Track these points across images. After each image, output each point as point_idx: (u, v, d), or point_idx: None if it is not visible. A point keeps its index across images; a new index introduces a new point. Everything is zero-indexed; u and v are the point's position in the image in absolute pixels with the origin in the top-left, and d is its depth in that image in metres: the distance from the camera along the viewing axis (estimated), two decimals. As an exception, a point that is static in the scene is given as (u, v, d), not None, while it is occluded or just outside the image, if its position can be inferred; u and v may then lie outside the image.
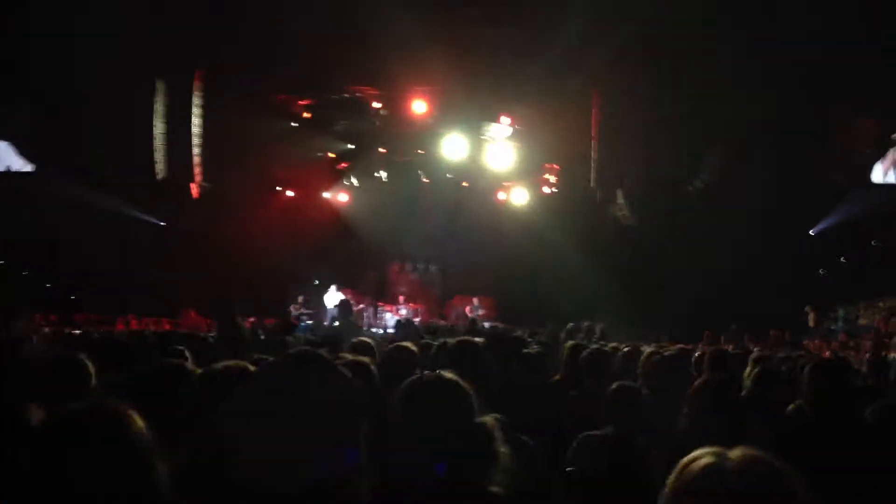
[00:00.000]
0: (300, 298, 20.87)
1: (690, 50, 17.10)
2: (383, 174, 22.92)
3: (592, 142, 20.39)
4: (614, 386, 4.02)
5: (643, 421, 4.03)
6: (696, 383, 3.73)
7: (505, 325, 17.49)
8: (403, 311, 20.67)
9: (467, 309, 21.20)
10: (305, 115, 21.55)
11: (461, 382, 2.34)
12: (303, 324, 18.12)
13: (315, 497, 1.47)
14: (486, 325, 18.58)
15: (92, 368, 3.31)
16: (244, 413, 1.46)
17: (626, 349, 6.44)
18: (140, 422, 1.65)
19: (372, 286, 23.15)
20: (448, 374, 2.35)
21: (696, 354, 6.29)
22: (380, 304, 21.94)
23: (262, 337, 9.39)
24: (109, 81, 18.32)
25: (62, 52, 17.63)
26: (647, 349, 6.28)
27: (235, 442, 1.46)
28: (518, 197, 22.54)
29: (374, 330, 19.01)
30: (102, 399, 1.68)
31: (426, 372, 2.41)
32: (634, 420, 3.92)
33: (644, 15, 15.95)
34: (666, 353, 5.51)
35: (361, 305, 21.02)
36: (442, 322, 19.90)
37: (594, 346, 6.26)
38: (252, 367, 2.17)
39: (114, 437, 1.59)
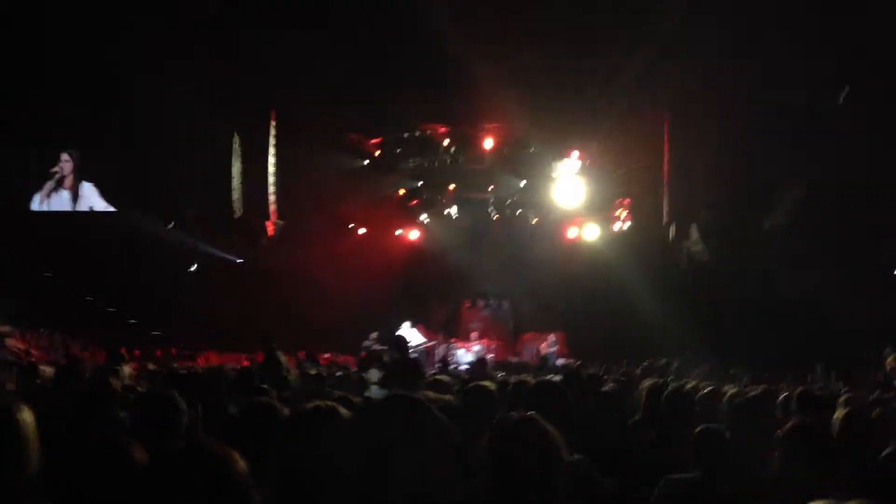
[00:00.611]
0: (372, 335, 21.02)
1: (767, 80, 16.77)
2: (454, 210, 23.04)
3: (665, 176, 20.09)
4: (700, 428, 3.93)
5: (728, 464, 3.93)
6: (788, 426, 3.61)
7: (577, 361, 17.32)
8: (476, 348, 20.59)
9: (543, 345, 21.02)
10: (376, 153, 21.89)
11: (548, 425, 2.33)
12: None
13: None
14: (560, 361, 18.41)
15: (184, 406, 3.39)
16: (344, 455, 1.48)
17: (707, 389, 6.29)
18: (242, 463, 1.68)
19: (444, 322, 23.19)
20: (536, 416, 2.34)
21: (783, 395, 6.09)
22: (452, 340, 21.94)
23: (339, 374, 9.48)
24: (188, 124, 19.00)
25: (144, 95, 18.37)
26: (729, 389, 6.12)
27: (336, 482, 1.49)
28: (589, 233, 22.36)
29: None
30: (206, 440, 1.71)
31: (514, 413, 2.41)
32: (720, 463, 3.82)
33: (719, 45, 15.77)
34: (750, 394, 5.37)
35: (433, 342, 21.04)
36: (514, 359, 19.82)
37: (673, 385, 6.13)
38: (341, 409, 2.19)
39: (218, 479, 1.62)
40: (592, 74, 18.05)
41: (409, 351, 19.49)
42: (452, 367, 18.80)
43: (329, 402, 2.28)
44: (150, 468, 1.74)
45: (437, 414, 1.52)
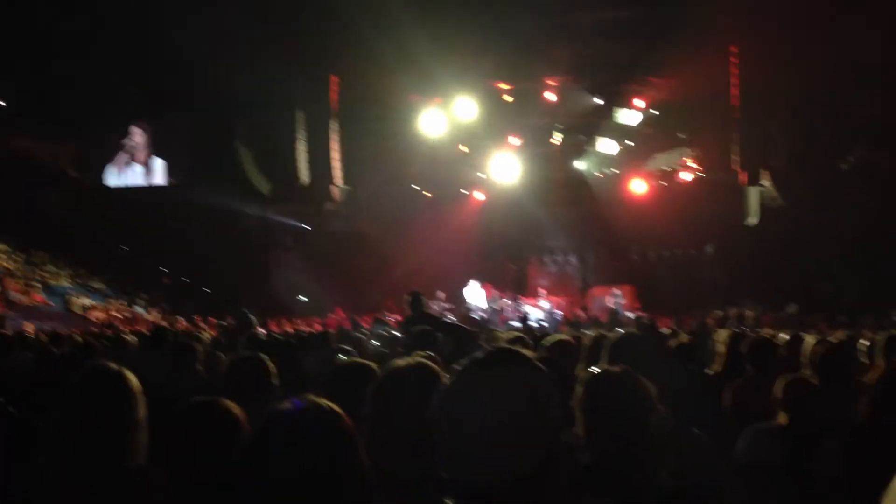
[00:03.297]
0: (440, 294, 21.16)
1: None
2: (517, 167, 22.93)
3: (734, 123, 19.50)
4: (788, 378, 3.88)
5: (815, 413, 3.88)
6: (878, 372, 3.55)
7: (648, 314, 17.20)
8: (544, 304, 20.57)
9: (607, 299, 20.90)
10: (439, 112, 21.83)
11: (638, 376, 2.35)
12: (445, 319, 18.36)
13: (517, 488, 1.52)
14: (630, 315, 18.30)
15: (273, 368, 3.49)
16: (449, 410, 1.52)
17: (787, 337, 6.19)
18: (348, 419, 1.74)
19: (511, 280, 23.20)
20: (630, 369, 2.36)
21: (863, 342, 5.96)
22: (520, 297, 21.95)
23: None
24: (252, 95, 19.24)
25: (209, 70, 18.64)
26: (809, 337, 6.01)
27: (440, 438, 1.53)
28: (655, 182, 22.03)
29: (514, 323, 19.04)
30: (313, 398, 1.77)
31: (606, 367, 2.44)
32: (808, 412, 3.78)
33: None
34: (833, 341, 5.27)
35: (502, 300, 21.11)
36: (583, 313, 19.76)
37: (752, 335, 6.05)
38: (433, 366, 2.24)
39: (330, 435, 1.68)
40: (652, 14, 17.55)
41: (480, 311, 19.73)
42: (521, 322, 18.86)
43: (420, 359, 2.33)
44: (261, 427, 1.80)
45: (539, 365, 1.55)
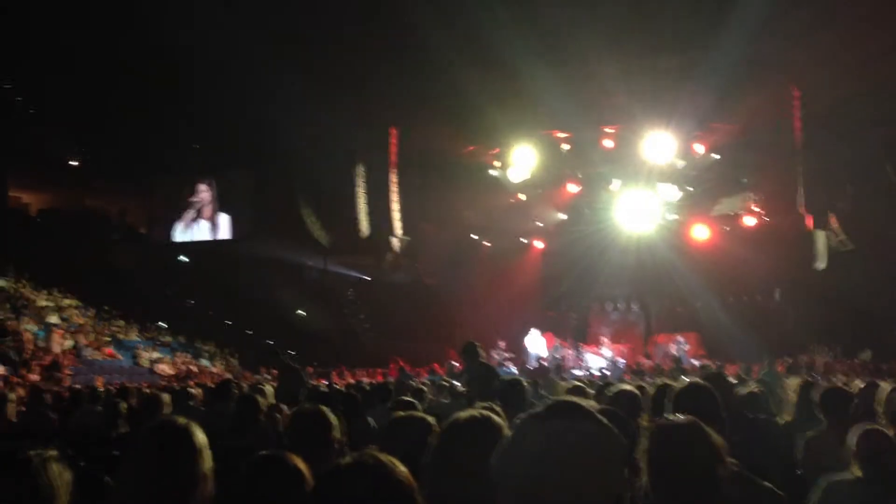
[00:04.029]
0: (501, 343, 21.07)
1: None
2: (578, 214, 22.90)
3: (799, 165, 19.09)
4: (863, 428, 3.74)
5: (892, 464, 3.73)
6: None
7: (714, 361, 16.81)
8: (606, 352, 20.30)
9: (672, 347, 20.53)
10: (496, 163, 21.97)
11: (705, 427, 2.30)
12: (504, 369, 18.25)
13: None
14: (695, 362, 17.94)
15: (334, 420, 3.51)
16: (510, 463, 1.51)
17: (861, 384, 5.97)
18: (406, 471, 1.74)
19: (573, 328, 23.00)
20: (697, 420, 2.31)
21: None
22: (581, 345, 21.72)
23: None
24: (313, 148, 19.68)
25: (271, 125, 19.18)
26: (885, 384, 5.79)
27: (501, 491, 1.52)
28: (718, 227, 21.70)
29: (576, 372, 18.81)
30: (372, 452, 1.78)
31: (673, 417, 2.39)
32: (884, 463, 3.63)
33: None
34: (911, 389, 5.06)
35: (566, 350, 20.90)
36: (646, 361, 19.43)
37: (825, 383, 5.86)
38: (496, 418, 2.23)
39: (387, 488, 1.69)
40: (712, 56, 17.45)
41: (542, 360, 19.55)
42: (583, 372, 18.62)
43: (483, 412, 2.32)
44: (320, 482, 1.81)
45: (602, 419, 1.53)
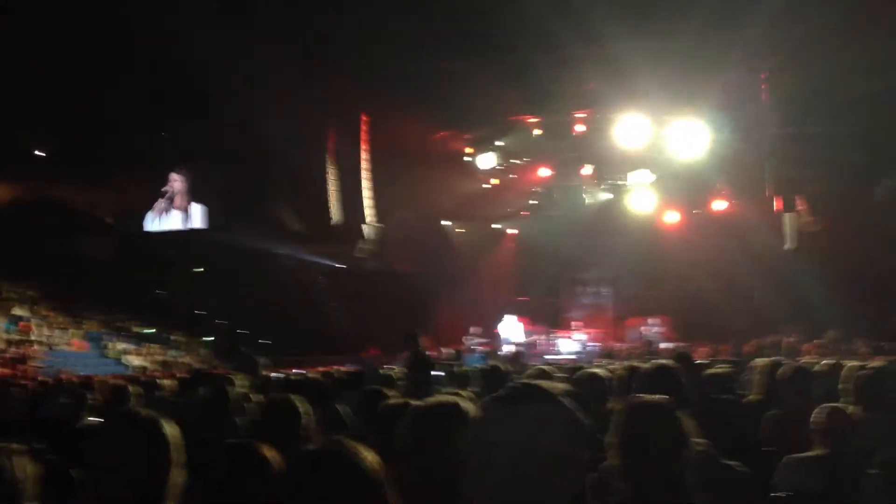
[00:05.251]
0: (472, 329, 21.11)
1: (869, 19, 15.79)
2: (549, 201, 23.00)
3: (766, 141, 19.22)
4: (827, 407, 3.81)
5: (853, 442, 3.81)
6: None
7: (683, 343, 16.97)
8: (579, 337, 20.44)
9: (643, 330, 20.71)
10: (468, 148, 21.96)
11: (673, 407, 2.33)
12: (475, 355, 18.29)
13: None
14: (668, 345, 18.10)
15: (303, 409, 3.50)
16: (475, 447, 1.53)
17: (826, 363, 6.06)
18: (375, 459, 1.75)
19: (546, 313, 23.09)
20: (663, 398, 2.34)
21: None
22: (553, 330, 21.83)
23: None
24: (284, 137, 19.54)
25: (243, 114, 19.01)
26: (850, 363, 5.88)
27: (468, 476, 1.53)
28: (688, 211, 21.90)
29: (548, 357, 18.91)
30: (339, 439, 1.79)
31: (641, 396, 2.42)
32: (847, 441, 3.71)
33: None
34: (874, 367, 5.15)
35: (535, 335, 21.00)
36: (618, 345, 19.58)
37: (790, 363, 5.95)
38: (463, 403, 2.25)
39: (354, 476, 1.70)
40: (683, 37, 17.51)
41: (516, 345, 19.63)
42: (555, 356, 18.74)
43: (450, 397, 2.34)
44: (288, 470, 1.82)
45: (563, 401, 1.54)
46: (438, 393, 3.45)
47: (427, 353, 8.42)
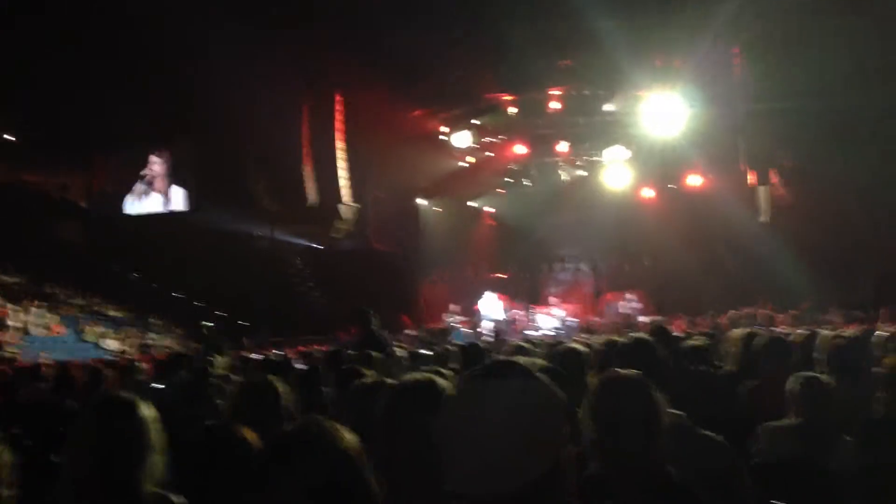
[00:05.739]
0: (451, 307, 21.17)
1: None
2: (526, 178, 23.04)
3: (739, 116, 19.28)
4: (801, 376, 3.86)
5: (829, 410, 3.86)
6: (893, 364, 3.52)
7: (660, 317, 17.12)
8: (558, 313, 20.54)
9: (621, 305, 20.86)
10: (443, 127, 21.89)
11: (647, 380, 2.35)
12: (457, 332, 18.36)
13: (523, 500, 1.52)
14: (645, 319, 18.23)
15: (283, 390, 3.50)
16: (451, 424, 1.53)
17: (802, 333, 6.15)
18: (353, 438, 1.75)
19: (525, 290, 23.19)
20: (635, 373, 2.36)
21: (880, 335, 5.92)
22: (532, 306, 21.93)
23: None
24: (259, 113, 19.36)
25: (219, 94, 18.79)
26: (824, 332, 5.97)
27: (444, 452, 1.53)
28: (663, 186, 22.02)
29: (528, 333, 19.01)
30: (315, 419, 1.79)
31: (615, 370, 2.44)
32: (822, 409, 3.76)
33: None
34: (848, 336, 5.23)
35: (514, 311, 21.08)
36: (597, 320, 19.72)
37: (765, 333, 6.02)
38: (440, 381, 2.25)
39: (332, 455, 1.70)
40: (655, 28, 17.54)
41: (496, 322, 19.70)
42: (535, 332, 18.82)
43: (426, 375, 2.34)
44: (266, 450, 1.82)
45: (540, 376, 1.55)
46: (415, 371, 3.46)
47: (381, 332, 8.28)
